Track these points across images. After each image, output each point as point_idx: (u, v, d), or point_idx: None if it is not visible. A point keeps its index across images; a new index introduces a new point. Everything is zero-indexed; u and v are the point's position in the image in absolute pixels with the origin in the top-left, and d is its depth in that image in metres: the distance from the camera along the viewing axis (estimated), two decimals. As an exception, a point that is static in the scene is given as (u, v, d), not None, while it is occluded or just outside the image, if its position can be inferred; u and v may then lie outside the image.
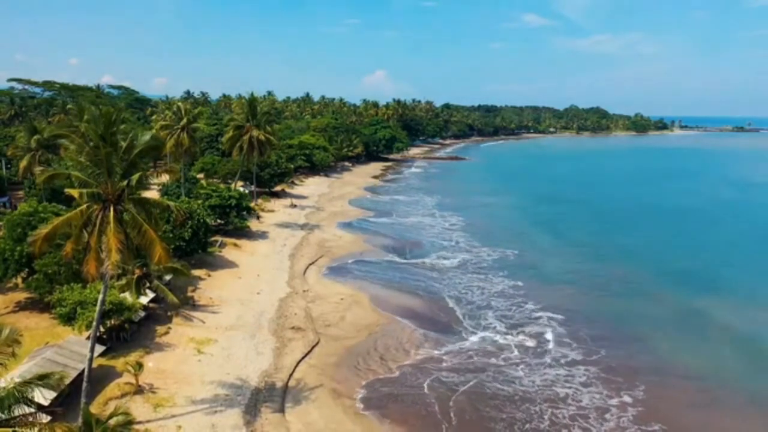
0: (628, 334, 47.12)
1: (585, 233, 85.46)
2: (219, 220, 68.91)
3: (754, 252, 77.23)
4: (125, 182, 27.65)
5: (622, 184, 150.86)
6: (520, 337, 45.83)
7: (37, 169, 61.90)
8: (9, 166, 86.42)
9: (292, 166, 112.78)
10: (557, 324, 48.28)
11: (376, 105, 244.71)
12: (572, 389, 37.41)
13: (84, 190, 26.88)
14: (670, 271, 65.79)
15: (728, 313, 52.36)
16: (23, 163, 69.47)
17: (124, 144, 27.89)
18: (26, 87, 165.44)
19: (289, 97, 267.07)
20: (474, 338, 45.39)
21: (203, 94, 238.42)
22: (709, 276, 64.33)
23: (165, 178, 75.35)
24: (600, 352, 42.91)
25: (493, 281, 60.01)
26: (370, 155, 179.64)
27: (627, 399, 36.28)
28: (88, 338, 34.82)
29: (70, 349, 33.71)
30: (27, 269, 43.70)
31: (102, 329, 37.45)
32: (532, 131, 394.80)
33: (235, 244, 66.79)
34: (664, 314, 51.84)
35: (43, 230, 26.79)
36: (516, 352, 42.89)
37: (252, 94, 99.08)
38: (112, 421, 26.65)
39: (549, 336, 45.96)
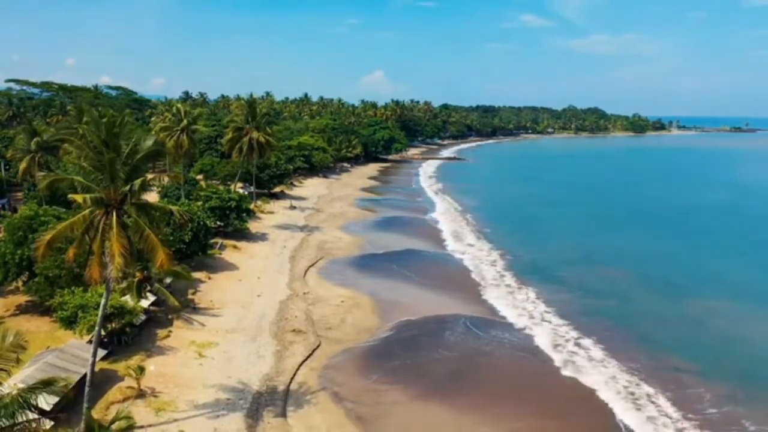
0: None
1: (585, 238, 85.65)
2: (219, 222, 68.87)
3: (750, 254, 77.30)
4: (128, 187, 27.66)
5: (620, 185, 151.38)
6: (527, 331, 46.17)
7: (39, 174, 61.84)
8: (8, 167, 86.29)
9: (291, 167, 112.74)
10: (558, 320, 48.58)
11: (374, 106, 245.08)
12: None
13: (87, 195, 26.87)
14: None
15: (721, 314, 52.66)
16: (23, 165, 69.39)
17: (126, 149, 27.88)
18: (24, 88, 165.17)
19: (287, 98, 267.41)
20: (476, 338, 45.46)
21: (202, 94, 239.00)
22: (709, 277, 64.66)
23: (165, 180, 75.44)
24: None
25: (495, 282, 60.14)
26: (368, 156, 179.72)
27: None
28: (89, 342, 34.84)
29: (71, 353, 33.68)
30: (27, 272, 43.61)
31: (103, 333, 37.35)
32: (530, 131, 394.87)
33: (235, 246, 66.77)
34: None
35: (46, 236, 26.76)
36: (521, 345, 43.10)
37: (251, 96, 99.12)
38: (115, 426, 26.68)
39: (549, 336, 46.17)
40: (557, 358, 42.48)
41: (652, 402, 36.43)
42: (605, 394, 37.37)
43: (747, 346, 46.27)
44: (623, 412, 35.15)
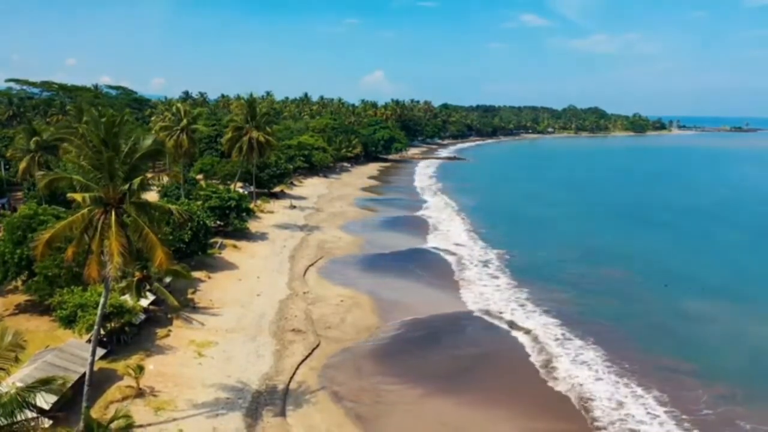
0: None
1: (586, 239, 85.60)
2: (219, 222, 68.86)
3: (747, 255, 77.23)
4: (127, 186, 27.65)
5: (620, 185, 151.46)
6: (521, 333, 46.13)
7: (38, 173, 61.90)
8: (8, 167, 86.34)
9: (291, 167, 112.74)
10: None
11: (374, 105, 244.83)
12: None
13: (86, 194, 26.86)
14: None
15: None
16: (22, 165, 69.43)
17: (125, 148, 27.87)
18: (24, 87, 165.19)
19: (287, 98, 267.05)
20: (471, 337, 45.47)
21: (202, 94, 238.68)
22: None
23: (165, 179, 75.47)
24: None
25: (493, 279, 60.14)
26: (368, 156, 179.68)
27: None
28: (88, 341, 34.81)
29: (70, 352, 33.70)
30: (27, 271, 43.61)
31: (102, 332, 37.35)
32: (530, 131, 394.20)
33: (235, 246, 66.75)
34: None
35: (45, 235, 26.76)
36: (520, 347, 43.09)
37: (251, 95, 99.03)
38: (114, 425, 26.71)
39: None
40: (545, 358, 42.47)
41: (656, 402, 36.43)
42: (596, 393, 37.29)
43: (744, 346, 46.26)
44: (615, 413, 35.08)
